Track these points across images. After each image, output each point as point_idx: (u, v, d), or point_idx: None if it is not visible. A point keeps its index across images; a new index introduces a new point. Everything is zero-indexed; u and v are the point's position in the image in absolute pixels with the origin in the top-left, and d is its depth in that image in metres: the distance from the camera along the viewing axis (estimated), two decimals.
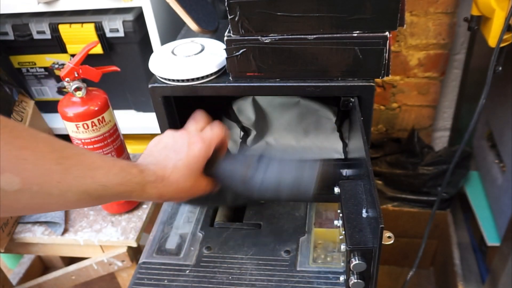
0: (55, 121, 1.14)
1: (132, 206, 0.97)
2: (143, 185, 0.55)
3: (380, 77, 0.67)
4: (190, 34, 0.83)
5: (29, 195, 0.45)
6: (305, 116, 0.81)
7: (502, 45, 0.90)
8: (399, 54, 1.35)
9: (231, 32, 0.65)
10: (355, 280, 0.58)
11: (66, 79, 0.80)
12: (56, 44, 1.02)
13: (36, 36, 1.02)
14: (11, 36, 1.03)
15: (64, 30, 0.99)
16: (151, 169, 0.56)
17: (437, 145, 1.56)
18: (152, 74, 0.73)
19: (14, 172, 0.43)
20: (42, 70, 1.10)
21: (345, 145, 0.79)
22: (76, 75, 0.80)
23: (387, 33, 0.62)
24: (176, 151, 0.59)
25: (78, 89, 0.81)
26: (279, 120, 0.82)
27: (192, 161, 0.59)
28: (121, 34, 0.98)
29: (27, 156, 0.44)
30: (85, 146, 0.86)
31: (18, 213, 0.51)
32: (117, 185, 0.52)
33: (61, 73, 0.79)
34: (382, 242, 0.53)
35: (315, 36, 0.64)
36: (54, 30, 1.00)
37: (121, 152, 0.90)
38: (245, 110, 0.82)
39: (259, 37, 0.65)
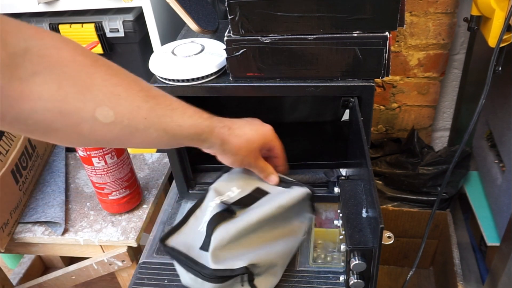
0: None
1: (132, 206, 0.97)
2: (211, 128, 0.60)
3: (380, 77, 0.67)
4: (190, 34, 0.83)
5: (119, 127, 0.51)
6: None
7: (502, 45, 0.90)
8: (399, 54, 1.35)
9: (231, 32, 0.65)
10: (355, 280, 0.58)
11: None
12: None
13: None
14: None
15: (64, 30, 0.99)
16: (220, 118, 0.63)
17: (437, 145, 1.56)
18: (152, 74, 0.74)
19: (109, 106, 0.49)
20: None
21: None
22: None
23: (387, 33, 0.62)
24: (249, 121, 0.67)
25: None
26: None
27: (258, 132, 0.66)
28: (121, 34, 0.99)
29: (121, 92, 0.51)
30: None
31: (107, 144, 0.60)
32: (190, 126, 0.58)
33: None
34: (382, 242, 0.54)
35: (315, 36, 0.64)
36: (54, 30, 1.00)
37: (121, 152, 0.90)
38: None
39: (259, 37, 0.65)
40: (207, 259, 0.62)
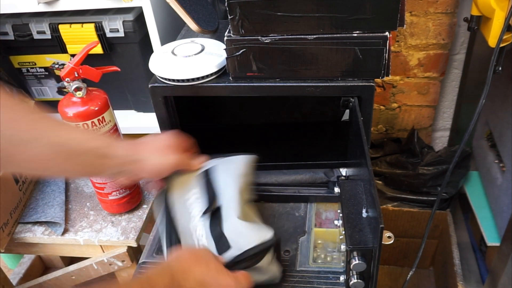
0: None
1: (132, 206, 0.97)
2: (114, 147, 0.60)
3: (380, 77, 0.67)
4: (190, 34, 0.83)
5: (5, 140, 0.50)
6: None
7: (502, 45, 0.90)
8: (399, 54, 1.35)
9: (231, 32, 0.65)
10: (355, 280, 0.58)
11: (66, 79, 0.80)
12: (56, 44, 1.02)
13: (36, 36, 1.02)
14: (11, 36, 1.03)
15: (64, 30, 0.99)
16: (121, 142, 0.63)
17: (437, 145, 1.56)
18: (152, 74, 0.73)
19: None
20: (42, 70, 1.10)
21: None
22: (76, 75, 0.80)
23: (387, 33, 0.62)
24: (160, 149, 0.67)
25: (78, 89, 0.81)
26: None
27: (170, 162, 0.67)
28: (121, 34, 0.98)
29: (4, 107, 0.51)
30: None
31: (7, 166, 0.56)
32: (87, 139, 0.58)
33: (61, 73, 0.79)
34: (382, 242, 0.54)
35: (315, 36, 0.64)
36: (54, 30, 1.00)
37: None
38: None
39: (259, 37, 0.65)
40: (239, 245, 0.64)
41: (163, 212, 0.69)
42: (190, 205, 0.68)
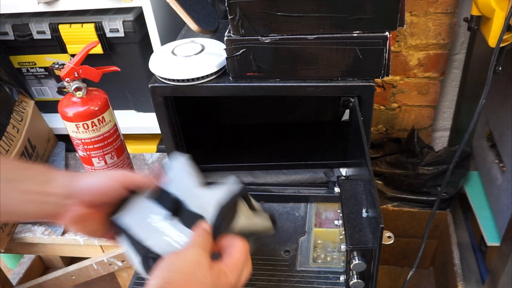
0: (55, 121, 1.14)
1: None
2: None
3: (380, 77, 0.67)
4: (190, 34, 0.83)
5: None
6: None
7: (502, 45, 0.90)
8: (399, 54, 1.35)
9: (231, 32, 0.65)
10: (355, 280, 0.58)
11: (66, 79, 0.80)
12: (56, 44, 1.02)
13: (36, 36, 1.02)
14: (11, 36, 1.03)
15: (64, 30, 0.99)
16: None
17: (437, 145, 1.56)
18: (152, 74, 0.73)
19: None
20: (42, 70, 1.10)
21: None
22: (76, 75, 0.80)
23: (387, 33, 0.62)
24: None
25: (78, 89, 0.81)
26: None
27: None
28: (121, 34, 0.98)
29: None
30: (85, 146, 0.86)
31: None
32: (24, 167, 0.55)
33: (61, 73, 0.79)
34: (382, 242, 0.54)
35: (315, 36, 0.64)
36: (54, 30, 1.00)
37: (121, 152, 0.90)
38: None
39: (259, 37, 0.65)
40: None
41: (122, 236, 0.57)
42: (153, 223, 0.57)
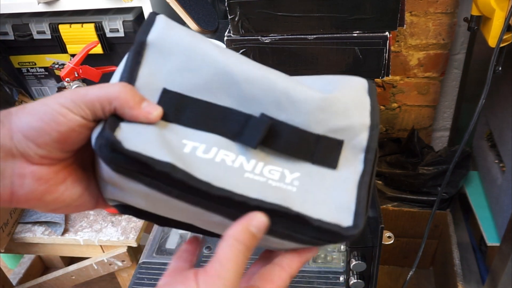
0: None
1: None
2: None
3: (380, 77, 0.67)
4: None
5: None
6: None
7: (502, 45, 0.90)
8: (399, 54, 1.35)
9: (231, 32, 0.65)
10: (355, 280, 0.58)
11: (66, 79, 0.80)
12: (56, 44, 1.02)
13: (36, 36, 1.02)
14: (11, 36, 1.03)
15: (64, 30, 0.99)
16: None
17: (437, 145, 1.56)
18: None
19: None
20: (42, 70, 1.10)
21: None
22: (76, 75, 0.80)
23: (387, 33, 0.62)
24: None
25: None
26: None
27: None
28: (121, 34, 0.98)
29: None
30: None
31: None
32: None
33: (61, 73, 0.80)
34: (382, 242, 0.54)
35: (315, 36, 0.64)
36: (54, 30, 1.00)
37: None
38: None
39: (259, 37, 0.65)
40: None
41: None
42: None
